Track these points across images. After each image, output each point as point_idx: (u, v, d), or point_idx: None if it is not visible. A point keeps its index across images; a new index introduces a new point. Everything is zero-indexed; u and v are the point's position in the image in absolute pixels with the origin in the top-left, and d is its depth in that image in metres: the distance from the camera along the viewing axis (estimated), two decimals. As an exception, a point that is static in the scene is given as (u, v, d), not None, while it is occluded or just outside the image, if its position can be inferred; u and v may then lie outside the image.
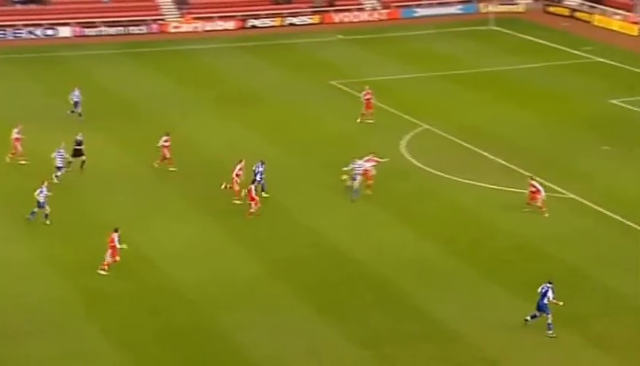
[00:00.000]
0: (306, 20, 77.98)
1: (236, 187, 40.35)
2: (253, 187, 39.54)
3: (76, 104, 51.66)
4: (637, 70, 61.42)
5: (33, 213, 38.30)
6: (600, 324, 31.05)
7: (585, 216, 39.29)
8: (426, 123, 51.43)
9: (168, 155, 44.45)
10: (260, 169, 41.29)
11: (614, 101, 54.57)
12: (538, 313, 30.57)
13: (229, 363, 29.46)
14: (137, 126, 50.98)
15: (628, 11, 73.01)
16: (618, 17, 73.31)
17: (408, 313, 32.09)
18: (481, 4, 79.83)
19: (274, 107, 55.50)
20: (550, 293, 30.43)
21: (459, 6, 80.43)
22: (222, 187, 40.69)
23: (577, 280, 34.14)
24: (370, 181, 41.29)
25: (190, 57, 67.46)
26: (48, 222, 38.28)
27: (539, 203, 39.24)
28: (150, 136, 46.98)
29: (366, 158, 41.65)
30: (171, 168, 44.25)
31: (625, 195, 41.48)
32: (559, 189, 42.07)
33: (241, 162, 41.07)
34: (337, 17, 78.47)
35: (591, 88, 57.76)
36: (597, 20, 74.67)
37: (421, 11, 79.74)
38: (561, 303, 30.52)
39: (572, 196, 41.37)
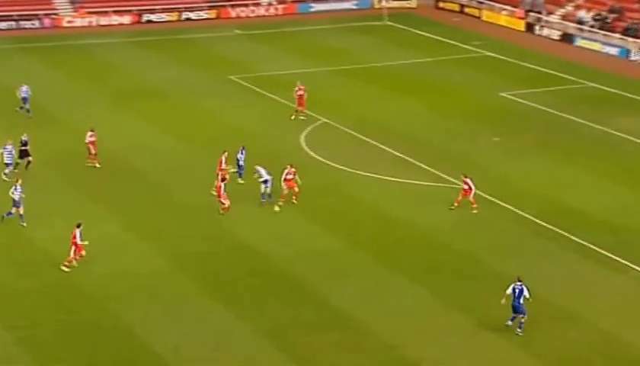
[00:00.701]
0: (203, 15, 77.51)
1: (217, 183, 39.71)
2: (222, 185, 38.87)
3: (24, 99, 50.50)
4: (525, 64, 62.90)
5: (9, 213, 37.17)
6: (493, 309, 31.72)
7: (478, 206, 40.08)
8: (324, 117, 51.73)
9: (93, 151, 43.69)
10: (242, 155, 41.77)
11: (504, 94, 55.83)
12: (515, 315, 30.05)
13: (134, 357, 29.24)
14: (33, 123, 49.86)
15: (515, 6, 74.70)
16: (505, 12, 74.94)
17: (311, 303, 32.35)
18: (375, 0, 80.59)
19: (173, 102, 55.07)
20: (526, 292, 29.88)
21: (354, 1, 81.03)
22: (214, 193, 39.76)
23: (472, 268, 34.89)
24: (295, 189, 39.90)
25: (85, 52, 66.41)
26: (24, 224, 37.12)
27: (471, 199, 39.21)
28: (47, 134, 46.04)
29: (286, 171, 40.09)
30: (97, 165, 43.54)
31: (515, 185, 42.53)
32: (453, 180, 42.86)
33: (224, 152, 41.07)
34: (233, 12, 78.20)
35: (482, 82, 58.95)
36: (486, 15, 76.20)
37: (317, 7, 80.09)
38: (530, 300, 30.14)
39: (465, 187, 42.13)
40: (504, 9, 75.08)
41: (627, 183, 42.58)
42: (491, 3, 76.50)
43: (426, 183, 42.63)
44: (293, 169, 39.99)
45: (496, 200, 40.60)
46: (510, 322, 30.36)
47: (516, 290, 29.95)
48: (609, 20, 67.68)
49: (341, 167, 44.48)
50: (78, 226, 34.04)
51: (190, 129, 50.33)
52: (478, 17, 76.45)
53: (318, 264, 35.21)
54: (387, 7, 78.04)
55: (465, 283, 33.70)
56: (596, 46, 66.35)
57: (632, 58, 63.64)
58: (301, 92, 51.31)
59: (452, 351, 29.51)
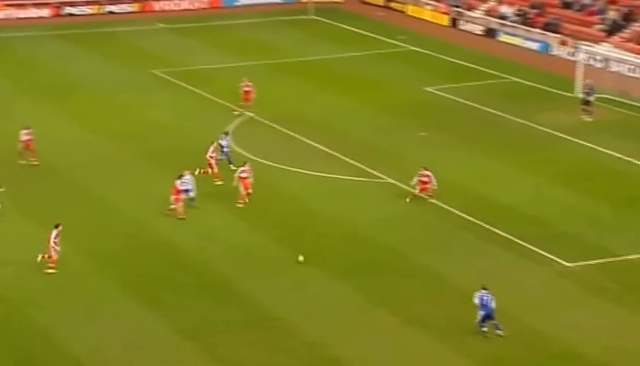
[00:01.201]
0: (126, 8, 75.90)
1: (215, 170, 39.66)
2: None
3: None
4: (449, 58, 62.80)
5: None
6: (418, 305, 31.32)
7: (404, 201, 39.66)
8: (251, 112, 50.87)
9: (29, 148, 42.18)
10: (226, 142, 41.56)
11: (429, 89, 55.53)
12: (487, 322, 29.10)
13: (49, 359, 28.08)
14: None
15: (439, 1, 74.62)
16: (429, 7, 74.84)
17: (232, 300, 31.50)
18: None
19: (95, 96, 53.77)
20: (493, 303, 28.91)
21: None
22: (197, 172, 39.34)
23: (397, 263, 34.38)
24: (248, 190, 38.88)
25: (3, 46, 64.44)
26: None
27: (429, 193, 38.60)
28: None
29: (241, 169, 39.00)
30: (34, 162, 42.02)
31: (440, 179, 42.16)
32: (379, 174, 42.38)
33: (213, 143, 40.25)
34: (157, 6, 76.76)
35: (407, 76, 58.64)
36: (410, 10, 76.01)
37: (243, 0, 79.07)
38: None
39: (391, 181, 41.75)
40: (428, 4, 74.96)
41: (548, 175, 42.55)
42: (416, -2, 76.38)
43: (352, 178, 42.09)
44: (248, 167, 38.81)
45: (421, 194, 40.12)
46: (486, 329, 29.17)
47: (484, 299, 29.05)
48: (530, 16, 67.99)
49: (267, 162, 43.70)
50: (57, 227, 32.67)
51: (110, 124, 49.11)
52: (403, 12, 76.22)
53: (242, 261, 34.38)
54: (313, 1, 77.40)
55: (390, 278, 33.19)
56: (517, 41, 66.57)
57: (553, 53, 63.96)
58: (247, 88, 50.54)
59: (376, 347, 28.95)
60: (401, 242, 35.90)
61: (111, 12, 75.14)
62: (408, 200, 38.75)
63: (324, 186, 41.16)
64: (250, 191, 38.59)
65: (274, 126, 49.07)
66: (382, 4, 78.35)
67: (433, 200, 39.46)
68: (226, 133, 41.99)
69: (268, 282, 32.85)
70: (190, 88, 55.37)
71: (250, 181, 38.71)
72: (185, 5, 77.25)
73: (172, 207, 37.43)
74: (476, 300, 29.23)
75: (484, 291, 29.27)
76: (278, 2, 79.72)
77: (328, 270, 33.72)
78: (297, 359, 28.41)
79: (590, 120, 49.80)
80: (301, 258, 30.65)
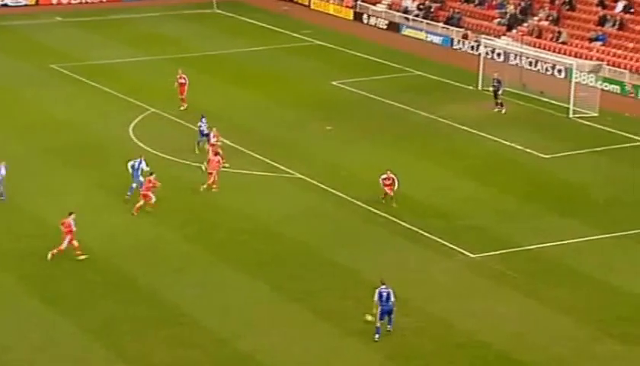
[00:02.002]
0: (21, 1, 74.37)
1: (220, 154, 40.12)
2: (217, 158, 39.51)
3: None
4: (354, 53, 63.38)
5: None
6: (328, 298, 31.69)
7: (312, 195, 40.03)
8: (154, 107, 50.58)
9: None
10: (203, 123, 42.88)
11: (335, 83, 56.00)
12: (384, 317, 28.94)
13: (-46, 364, 27.56)
14: None
15: (344, -5, 75.16)
16: (333, 1, 75.33)
17: (142, 299, 31.37)
18: (204, -12, 79.52)
19: (-6, 92, 52.68)
20: (392, 297, 28.83)
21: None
22: (204, 168, 39.40)
23: (306, 258, 34.69)
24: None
25: None
26: None
27: (391, 194, 38.09)
28: None
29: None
30: None
31: (348, 174, 42.67)
32: (286, 169, 42.62)
33: (212, 129, 41.47)
34: (54, -2, 75.51)
35: (313, 70, 59.00)
36: (314, 4, 76.40)
37: (144, -6, 78.37)
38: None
39: (299, 175, 42.04)
40: (333, -2, 75.48)
41: (453, 168, 43.42)
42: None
43: (260, 173, 42.20)
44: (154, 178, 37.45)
45: (328, 188, 40.56)
46: (389, 328, 29.22)
47: (384, 294, 29.06)
48: (432, 10, 69.08)
49: (172, 158, 43.51)
50: (71, 214, 33.09)
51: (10, 119, 48.21)
52: (308, 6, 76.56)
53: (150, 258, 34.23)
54: (216, -6, 77.25)
55: (299, 273, 33.47)
56: (421, 35, 67.58)
57: (455, 46, 65.15)
58: (182, 80, 50.21)
59: (287, 342, 29.20)
60: (311, 237, 36.21)
61: (5, 5, 73.53)
62: (382, 199, 38.27)
63: (233, 181, 41.18)
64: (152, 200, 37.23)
65: (179, 121, 48.86)
66: (286, -2, 78.51)
67: (341, 194, 39.91)
68: (203, 116, 43.21)
69: (178, 279, 32.80)
70: (92, 83, 54.71)
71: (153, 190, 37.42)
72: (84, -2, 76.23)
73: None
74: (376, 297, 29.11)
75: (383, 286, 29.35)
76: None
77: (239, 265, 33.82)
78: (207, 356, 28.47)
79: (504, 112, 50.83)
80: (369, 317, 29.25)
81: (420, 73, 58.65)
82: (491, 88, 51.57)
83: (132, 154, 43.13)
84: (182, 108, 49.75)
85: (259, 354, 28.51)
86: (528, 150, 45.73)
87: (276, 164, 43.08)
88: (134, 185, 38.45)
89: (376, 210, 38.46)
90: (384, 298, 29.10)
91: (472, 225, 37.43)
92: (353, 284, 32.80)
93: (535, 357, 28.58)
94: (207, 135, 42.87)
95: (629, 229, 37.04)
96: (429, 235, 36.33)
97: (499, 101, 51.10)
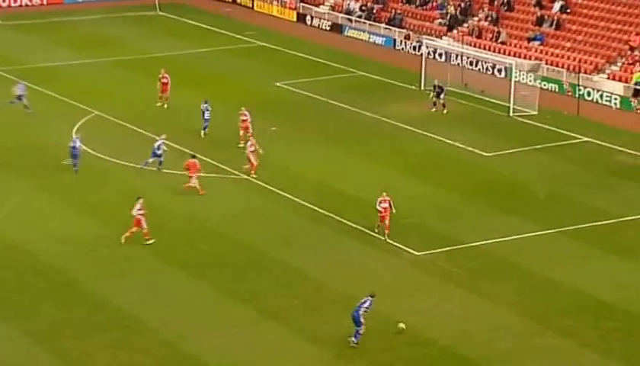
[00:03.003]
0: (-42, 3, 73.18)
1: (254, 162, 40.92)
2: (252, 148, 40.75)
3: (20, 96, 48.17)
4: (298, 54, 63.26)
5: None
6: (274, 298, 31.52)
7: (258, 196, 39.80)
8: (97, 110, 49.97)
9: None
10: (207, 107, 45.54)
11: (279, 84, 55.80)
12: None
13: None
14: None
15: (287, -3, 75.04)
16: (276, 3, 75.15)
17: (85, 303, 30.91)
18: (147, -10, 78.89)
19: None
20: (367, 304, 28.43)
21: (125, -9, 79.02)
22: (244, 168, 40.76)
23: (253, 258, 34.47)
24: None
25: None
26: None
27: (386, 225, 35.38)
28: None
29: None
30: None
31: (292, 173, 42.56)
32: (231, 170, 42.34)
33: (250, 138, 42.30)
34: (-8, 1, 74.29)
35: (257, 72, 58.74)
36: (258, 5, 76.15)
37: (86, -4, 77.53)
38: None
39: (244, 176, 41.78)
40: None
41: (397, 167, 43.51)
42: (263, -7, 76.54)
43: (204, 174, 41.85)
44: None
45: (274, 189, 40.36)
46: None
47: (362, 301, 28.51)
48: (375, 11, 69.24)
49: (115, 160, 43.01)
50: (139, 199, 34.58)
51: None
52: (251, 8, 76.29)
53: (93, 261, 33.76)
54: (159, -3, 76.67)
55: (246, 273, 33.26)
56: (364, 36, 67.70)
57: (398, 47, 65.36)
58: (165, 80, 50.43)
59: (233, 342, 28.97)
60: (256, 237, 36.00)
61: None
62: (376, 231, 35.88)
63: (176, 183, 40.79)
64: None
65: (122, 123, 48.33)
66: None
67: (286, 194, 39.76)
68: (206, 101, 45.37)
69: (123, 282, 32.39)
70: (33, 86, 53.81)
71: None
72: (24, 1, 74.96)
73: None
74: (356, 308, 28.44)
75: (369, 297, 28.67)
76: (123, -2, 78.43)
77: (183, 267, 33.51)
78: (152, 359, 28.11)
79: (445, 112, 50.90)
80: (402, 325, 29.07)
81: (363, 73, 58.72)
82: (431, 94, 51.60)
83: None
84: (159, 104, 50.30)
85: (205, 355, 28.24)
86: (470, 149, 45.99)
87: (221, 165, 42.77)
88: (150, 160, 41.01)
89: (321, 210, 38.37)
90: (359, 304, 28.43)
91: (417, 223, 37.51)
92: (299, 283, 32.66)
93: (479, 353, 28.68)
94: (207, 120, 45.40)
95: (569, 225, 37.41)
96: (374, 234, 36.31)
97: (442, 103, 51.24)
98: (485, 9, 64.70)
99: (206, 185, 40.75)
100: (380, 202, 35.69)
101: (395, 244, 35.62)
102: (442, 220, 37.82)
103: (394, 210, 35.82)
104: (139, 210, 34.66)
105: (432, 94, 51.49)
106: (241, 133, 44.99)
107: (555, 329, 29.88)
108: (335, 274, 33.37)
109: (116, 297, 31.28)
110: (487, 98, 53.35)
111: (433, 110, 51.23)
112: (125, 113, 49.43)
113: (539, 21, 61.39)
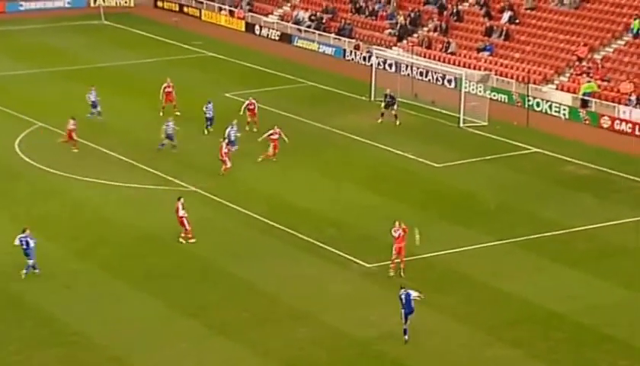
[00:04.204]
0: None
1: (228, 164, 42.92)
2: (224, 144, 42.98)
3: (94, 104, 49.66)
4: (247, 64, 63.37)
5: None
6: (224, 311, 31.59)
7: (207, 208, 39.82)
8: (41, 121, 49.64)
9: None
10: (210, 107, 48.17)
11: (228, 95, 55.87)
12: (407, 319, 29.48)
13: None
14: None
15: (235, 6, 75.15)
16: (224, 12, 75.25)
17: (30, 318, 30.71)
18: (91, -1, 78.71)
19: None
20: (414, 294, 29.62)
21: (67, 0, 78.52)
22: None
23: (202, 271, 34.52)
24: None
25: None
26: None
27: (402, 259, 34.22)
28: None
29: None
30: None
31: (242, 185, 42.66)
32: (180, 182, 42.32)
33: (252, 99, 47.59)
34: None
35: (206, 82, 58.73)
36: (205, 15, 76.19)
37: (27, 5, 76.81)
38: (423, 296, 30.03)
39: (194, 189, 41.80)
40: (223, 9, 75.40)
41: (347, 178, 43.80)
42: (211, 3, 76.60)
43: (152, 187, 41.83)
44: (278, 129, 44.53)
45: (224, 201, 40.42)
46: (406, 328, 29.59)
47: (402, 297, 29.57)
48: (324, 21, 69.63)
49: (60, 172, 42.80)
50: (179, 199, 36.02)
51: None
52: (198, 17, 76.29)
53: (38, 275, 33.51)
54: (104, 6, 76.22)
55: (195, 287, 33.27)
56: (313, 46, 68.07)
57: (347, 57, 65.80)
58: (169, 89, 51.00)
59: (181, 357, 28.98)
60: (205, 250, 36.03)
61: None
62: (391, 273, 34.47)
63: (123, 195, 40.72)
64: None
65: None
66: (176, 9, 78.06)
67: (236, 206, 39.87)
68: (209, 101, 47.96)
69: (67, 296, 32.25)
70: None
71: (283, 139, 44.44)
72: (-37, 11, 74.39)
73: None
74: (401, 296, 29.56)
75: (402, 290, 29.75)
76: (67, 7, 77.91)
77: (131, 280, 33.46)
78: (100, 374, 28.04)
79: (398, 123, 51.27)
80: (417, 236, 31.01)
81: (313, 84, 59.02)
82: (382, 103, 51.99)
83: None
84: (178, 113, 50.65)
85: (153, 370, 28.23)
86: (420, 159, 46.46)
87: (169, 177, 42.73)
88: (165, 142, 45.52)
89: (272, 222, 38.50)
90: (403, 300, 29.55)
91: (367, 234, 37.80)
92: (249, 296, 32.77)
93: (430, 365, 29.00)
94: (211, 119, 48.22)
95: (519, 236, 37.96)
96: (325, 246, 36.54)
97: (394, 114, 51.59)
98: (435, 19, 65.44)
99: (153, 198, 40.73)
100: (395, 231, 34.36)
101: (345, 256, 35.88)
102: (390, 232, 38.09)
103: (418, 241, 34.35)
104: (182, 210, 35.87)
105: (382, 104, 51.90)
106: (249, 119, 48.82)
107: (506, 340, 30.34)
108: (286, 286, 33.51)
109: (62, 312, 31.12)
110: (437, 109, 53.93)
111: (380, 121, 51.65)
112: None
113: (489, 32, 62.27)
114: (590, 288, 34.06)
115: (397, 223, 34.44)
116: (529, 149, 48.47)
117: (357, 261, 35.56)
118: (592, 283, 34.38)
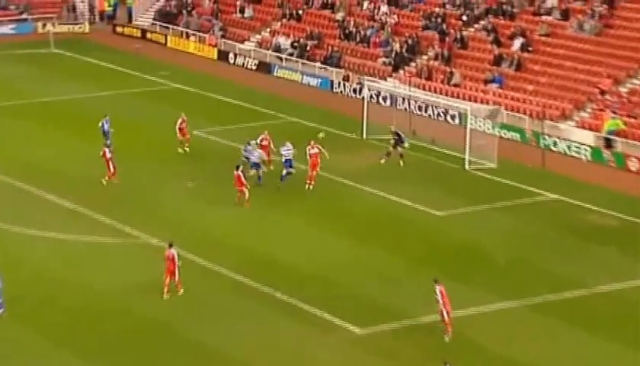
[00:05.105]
0: None
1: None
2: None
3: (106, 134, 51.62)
4: (219, 97, 63.42)
5: None
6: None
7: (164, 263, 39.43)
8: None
9: None
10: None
11: (197, 132, 55.70)
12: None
13: None
14: None
15: (205, 32, 75.36)
16: (194, 38, 75.43)
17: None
18: (39, 24, 78.78)
19: None
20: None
21: (11, 26, 78.91)
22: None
23: (161, 337, 34.21)
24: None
25: None
26: None
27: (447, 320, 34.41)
28: None
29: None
30: None
31: (212, 236, 42.41)
32: (139, 234, 42.08)
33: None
34: None
35: (170, 118, 58.29)
36: (172, 41, 76.36)
37: (-33, 30, 77.14)
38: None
39: (153, 241, 41.51)
40: (193, 34, 75.61)
41: (333, 228, 43.55)
42: (178, 28, 76.81)
43: (103, 239, 41.55)
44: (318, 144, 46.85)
45: (190, 255, 39.99)
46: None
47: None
48: (309, 48, 69.80)
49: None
50: (171, 246, 36.54)
51: None
52: (164, 44, 76.50)
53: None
54: (53, 31, 76.36)
55: (154, 356, 32.99)
56: (296, 77, 68.22)
57: (335, 89, 65.90)
58: (182, 125, 52.50)
59: None
60: (166, 312, 35.74)
61: None
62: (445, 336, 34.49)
63: (72, 250, 40.48)
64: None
65: (5, 179, 47.93)
66: (138, 35, 78.28)
67: (204, 261, 39.55)
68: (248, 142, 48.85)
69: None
70: None
71: (323, 154, 47.47)
72: None
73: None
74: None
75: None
76: (10, 34, 78.12)
77: (79, 350, 33.10)
78: None
79: (402, 163, 51.19)
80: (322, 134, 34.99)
81: (295, 120, 59.05)
82: (391, 141, 51.80)
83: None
84: (180, 151, 52.46)
85: None
86: (419, 207, 46.32)
87: (126, 228, 42.50)
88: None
89: (247, 280, 38.22)
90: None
91: (356, 294, 37.53)
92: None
93: None
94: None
95: (532, 296, 37.69)
96: (307, 308, 36.22)
97: (400, 153, 51.48)
98: (436, 47, 65.65)
99: (103, 252, 40.50)
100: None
101: (331, 319, 35.54)
102: (385, 290, 37.89)
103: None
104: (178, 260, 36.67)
105: (391, 141, 51.66)
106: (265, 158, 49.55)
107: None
108: (261, 355, 33.19)
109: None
110: (438, 148, 53.92)
111: (383, 161, 51.53)
112: (10, 168, 49.03)
113: (497, 61, 62.49)
114: (615, 359, 33.72)
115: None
116: (545, 196, 48.43)
117: (345, 324, 35.22)
118: (618, 353, 34.06)
